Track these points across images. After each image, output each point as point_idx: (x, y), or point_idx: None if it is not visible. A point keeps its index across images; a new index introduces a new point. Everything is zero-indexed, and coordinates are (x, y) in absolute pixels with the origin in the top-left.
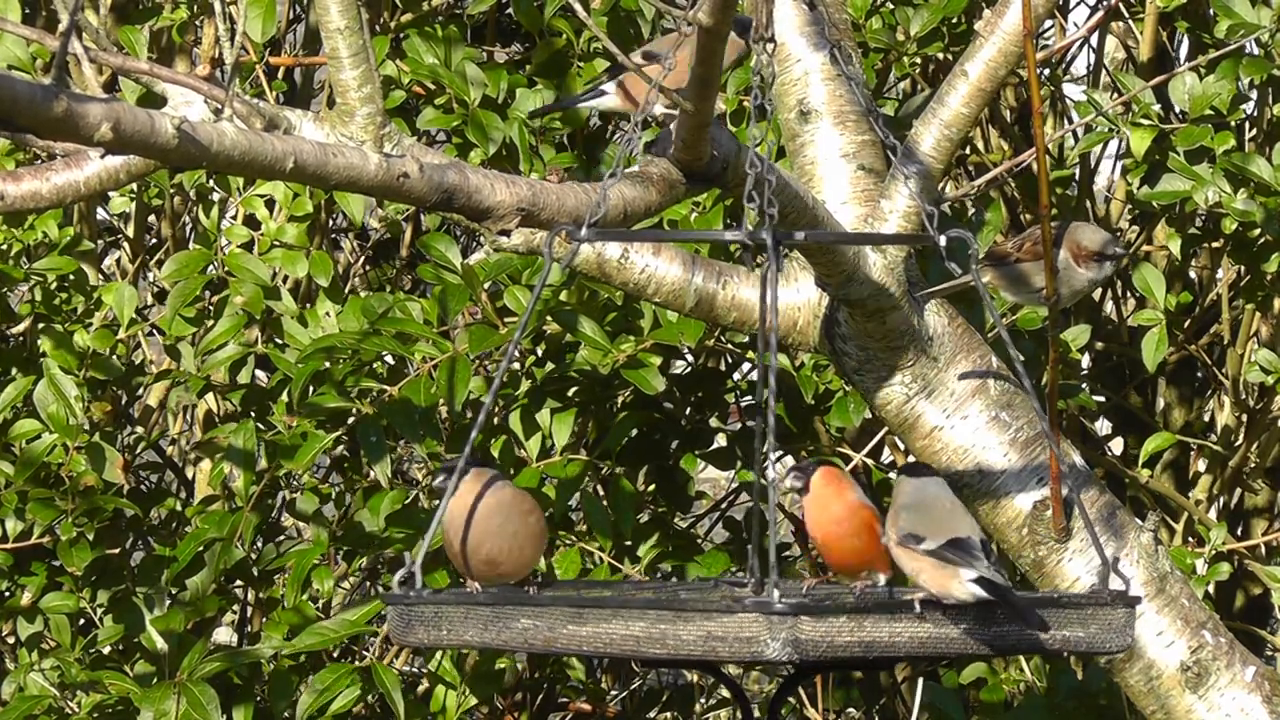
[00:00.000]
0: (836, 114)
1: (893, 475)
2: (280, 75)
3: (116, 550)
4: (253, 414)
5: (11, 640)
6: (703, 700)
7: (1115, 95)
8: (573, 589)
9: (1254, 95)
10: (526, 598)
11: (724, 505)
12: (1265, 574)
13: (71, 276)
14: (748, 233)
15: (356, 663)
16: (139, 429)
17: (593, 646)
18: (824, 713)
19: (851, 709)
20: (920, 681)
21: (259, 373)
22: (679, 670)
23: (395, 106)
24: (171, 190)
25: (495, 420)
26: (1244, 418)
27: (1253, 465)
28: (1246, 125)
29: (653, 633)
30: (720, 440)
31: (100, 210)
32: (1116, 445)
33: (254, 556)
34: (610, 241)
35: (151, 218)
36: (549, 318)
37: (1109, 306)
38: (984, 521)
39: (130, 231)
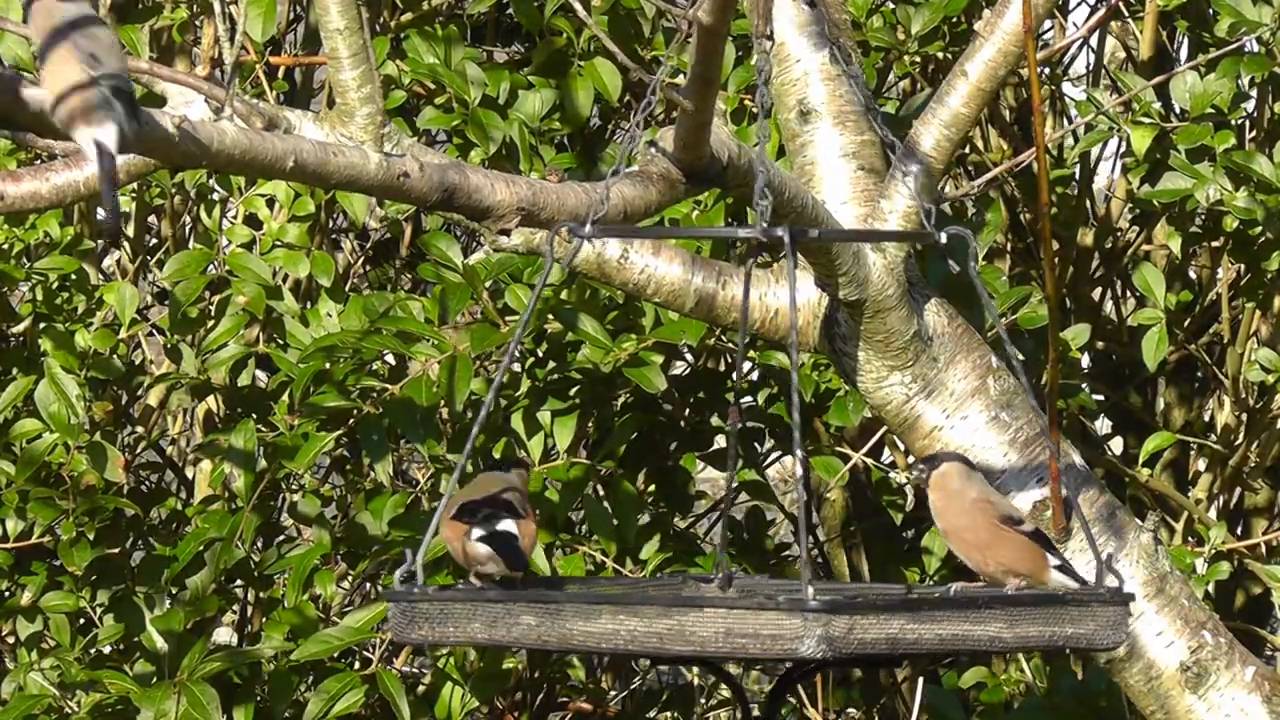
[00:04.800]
0: (836, 114)
1: (914, 471)
2: (280, 75)
3: (117, 550)
4: (254, 415)
5: (11, 640)
6: (703, 700)
7: (1115, 95)
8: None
9: (1254, 94)
10: (540, 595)
11: (724, 505)
12: (1265, 573)
13: (73, 276)
14: (762, 229)
15: (359, 666)
16: (139, 429)
17: (611, 644)
18: (824, 712)
19: (851, 709)
20: (920, 682)
21: (259, 373)
22: (679, 669)
23: (395, 106)
24: (173, 190)
25: (497, 422)
26: (1244, 417)
27: (1253, 464)
28: (1247, 124)
29: (674, 630)
30: (720, 440)
31: (100, 210)
32: (1116, 445)
33: (254, 558)
34: (614, 239)
35: (151, 218)
36: (550, 316)
37: (1109, 306)
38: None
39: (130, 231)
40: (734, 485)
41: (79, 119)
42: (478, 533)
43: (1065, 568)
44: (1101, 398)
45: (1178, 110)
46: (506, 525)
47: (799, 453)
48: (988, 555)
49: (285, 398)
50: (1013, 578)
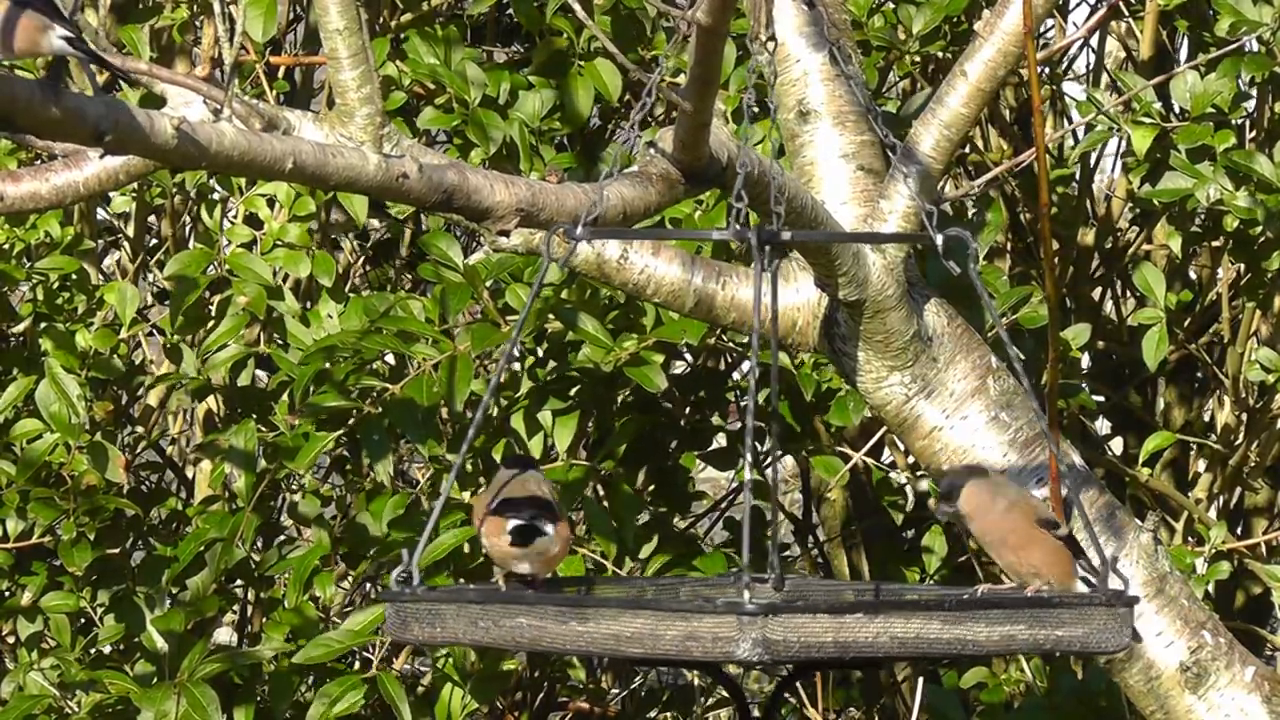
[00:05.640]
0: (836, 114)
1: (941, 512)
2: (280, 75)
3: (117, 550)
4: (254, 415)
5: (11, 640)
6: (703, 700)
7: (1116, 95)
8: (580, 587)
9: (1254, 93)
10: (515, 596)
11: (724, 505)
12: (1265, 573)
13: (73, 276)
14: (735, 231)
15: (359, 667)
16: (139, 429)
17: (577, 645)
18: (824, 712)
19: (851, 709)
20: (920, 682)
21: (259, 373)
22: (679, 669)
23: (396, 107)
24: (173, 189)
25: (496, 422)
26: (1244, 416)
27: (1253, 464)
28: (1247, 123)
29: (632, 632)
30: (720, 440)
31: (100, 210)
32: (1116, 445)
33: (254, 559)
34: (607, 240)
35: (151, 217)
36: (550, 316)
37: (1109, 306)
38: None
39: (130, 231)
40: (776, 482)
41: (38, 36)
42: (511, 524)
43: (1086, 579)
44: (1101, 398)
45: (1178, 110)
46: (540, 524)
47: (748, 456)
48: (1021, 556)
49: (285, 398)
50: (1037, 580)
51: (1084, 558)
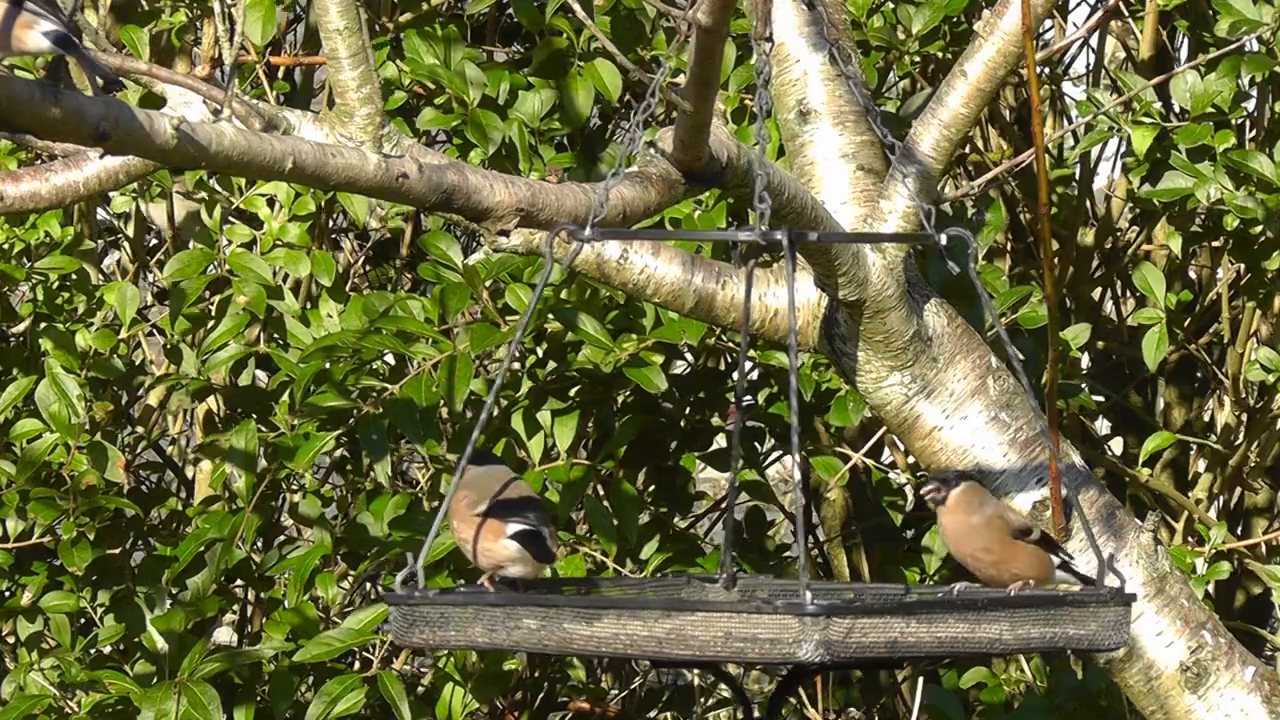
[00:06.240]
0: (836, 114)
1: (928, 490)
2: (280, 75)
3: (117, 550)
4: (254, 415)
5: (11, 640)
6: (703, 700)
7: (1115, 95)
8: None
9: (1254, 93)
10: (540, 598)
11: (724, 505)
12: (1265, 573)
13: (73, 276)
14: (761, 232)
15: (359, 667)
16: (139, 429)
17: (611, 647)
18: (824, 713)
19: (852, 709)
20: (920, 682)
21: (259, 373)
22: (679, 670)
23: (396, 107)
24: (174, 189)
25: (497, 421)
26: (1244, 416)
27: (1253, 464)
28: (1247, 123)
29: (674, 634)
30: (720, 440)
31: (100, 210)
32: (1116, 445)
33: (255, 559)
34: (611, 241)
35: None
36: (550, 316)
37: (1109, 306)
38: None
39: (130, 231)
40: (736, 485)
41: (24, 32)
42: (514, 529)
43: (1067, 565)
44: (1101, 398)
45: (1178, 110)
46: (543, 528)
47: (796, 456)
48: (1002, 569)
49: (285, 398)
50: (1019, 582)
51: (1060, 550)
